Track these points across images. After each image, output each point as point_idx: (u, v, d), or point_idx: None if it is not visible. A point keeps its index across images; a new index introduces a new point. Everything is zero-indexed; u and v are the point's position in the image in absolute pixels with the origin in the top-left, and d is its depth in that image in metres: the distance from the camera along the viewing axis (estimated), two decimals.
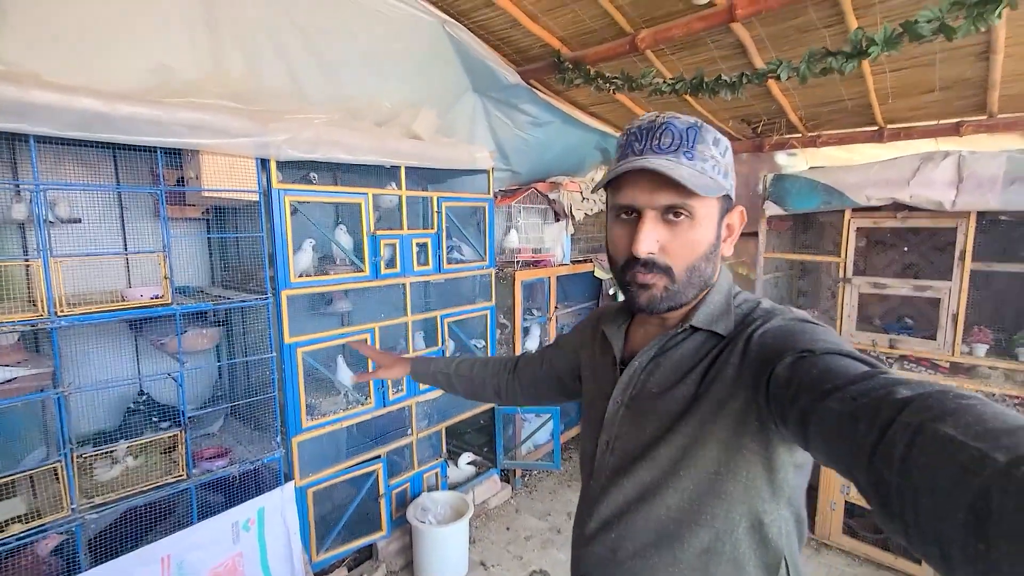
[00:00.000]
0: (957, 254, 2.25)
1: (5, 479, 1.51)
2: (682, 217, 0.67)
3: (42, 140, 1.49)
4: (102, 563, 1.58)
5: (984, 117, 2.69)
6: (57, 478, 1.65)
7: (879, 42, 1.60)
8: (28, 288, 1.75)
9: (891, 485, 0.41)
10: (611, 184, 0.71)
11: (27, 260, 1.62)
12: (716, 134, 0.70)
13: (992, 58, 2.15)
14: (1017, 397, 2.37)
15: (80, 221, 1.85)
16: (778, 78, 1.90)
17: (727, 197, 0.71)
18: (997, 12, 1.41)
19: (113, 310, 1.59)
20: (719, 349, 0.69)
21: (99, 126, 1.49)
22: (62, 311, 1.49)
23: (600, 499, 0.77)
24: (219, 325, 2.13)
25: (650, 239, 0.67)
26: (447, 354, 2.64)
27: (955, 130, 2.78)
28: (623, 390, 0.77)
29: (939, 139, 2.90)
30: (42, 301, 1.47)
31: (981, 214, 2.21)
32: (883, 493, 0.42)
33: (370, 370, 1.27)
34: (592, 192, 2.48)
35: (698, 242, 0.69)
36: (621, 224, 0.72)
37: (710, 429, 0.66)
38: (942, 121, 2.83)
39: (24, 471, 1.55)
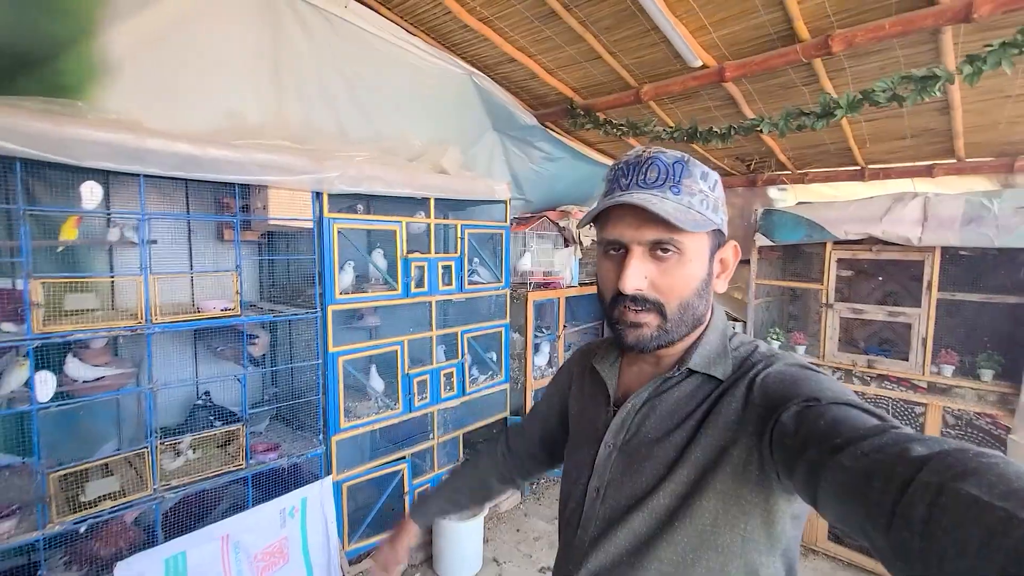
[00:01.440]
0: (925, 284, 2.52)
1: (101, 462, 1.78)
2: (670, 253, 0.66)
3: (131, 174, 1.77)
4: (171, 538, 1.84)
5: (953, 161, 3.00)
6: (131, 465, 1.93)
7: (843, 106, 1.91)
8: (112, 300, 2.06)
9: (913, 549, 0.39)
10: (599, 219, 0.70)
11: (123, 276, 1.91)
12: (704, 168, 0.68)
13: (952, 113, 2.46)
14: (989, 416, 2.61)
15: (156, 242, 2.16)
16: (761, 131, 2.20)
17: (718, 232, 0.70)
18: (937, 87, 1.72)
19: (195, 319, 1.88)
20: (718, 394, 0.67)
21: (192, 166, 1.80)
22: (156, 319, 1.78)
23: (590, 551, 0.72)
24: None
25: (636, 275, 0.66)
26: (466, 367, 2.90)
27: (928, 172, 3.09)
28: (616, 433, 0.73)
29: (915, 179, 3.20)
30: (140, 311, 1.76)
31: (945, 249, 2.49)
32: (904, 557, 0.40)
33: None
34: (579, 227, 2.76)
35: (688, 278, 0.67)
36: (609, 259, 0.70)
37: (709, 479, 0.63)
38: (917, 163, 3.14)
39: (117, 455, 1.83)
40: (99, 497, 1.74)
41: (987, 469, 0.38)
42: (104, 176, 1.91)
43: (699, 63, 2.22)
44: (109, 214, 1.90)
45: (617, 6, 2.09)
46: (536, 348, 3.38)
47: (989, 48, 1.60)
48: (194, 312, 1.95)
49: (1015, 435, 2.33)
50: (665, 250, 0.66)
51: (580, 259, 3.70)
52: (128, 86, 1.91)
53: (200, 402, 2.16)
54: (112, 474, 1.87)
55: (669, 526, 0.65)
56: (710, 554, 0.63)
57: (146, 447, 1.80)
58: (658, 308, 0.67)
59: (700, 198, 0.66)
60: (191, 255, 2.32)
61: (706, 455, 0.64)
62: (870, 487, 0.44)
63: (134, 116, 1.86)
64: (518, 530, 3.03)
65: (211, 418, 2.20)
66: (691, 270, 0.67)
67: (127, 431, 2.11)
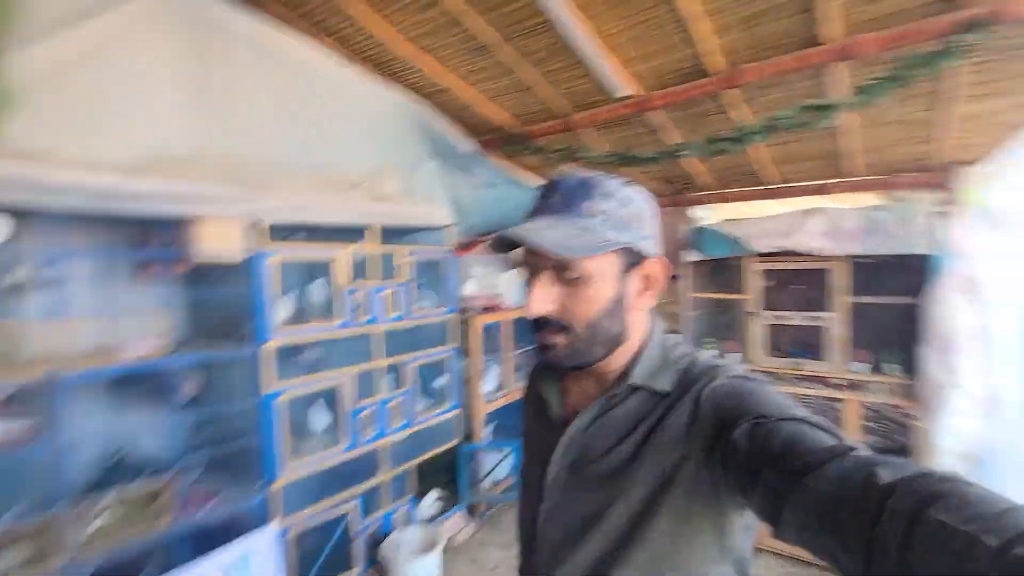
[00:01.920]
0: (835, 290, 2.78)
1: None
2: (573, 277, 0.66)
3: (40, 211, 1.61)
4: None
5: (850, 179, 3.35)
6: (36, 535, 1.70)
7: (755, 132, 2.10)
8: (13, 347, 1.84)
9: None
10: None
11: (23, 320, 1.72)
12: (609, 187, 0.67)
13: (845, 138, 2.77)
14: (897, 407, 2.89)
15: (67, 281, 1.97)
16: (686, 155, 2.38)
17: (629, 251, 0.68)
18: (832, 115, 1.94)
19: (112, 365, 1.72)
20: (664, 409, 0.67)
21: (111, 200, 1.67)
22: (66, 367, 1.61)
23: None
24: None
25: (540, 299, 0.67)
26: (414, 396, 2.83)
27: (828, 189, 3.43)
28: (563, 454, 0.73)
29: (819, 196, 3.55)
30: (47, 358, 1.58)
31: (849, 257, 2.76)
32: None
33: None
34: (492, 253, 2.84)
35: (593, 299, 0.66)
36: (528, 282, 0.70)
37: (660, 498, 0.63)
38: (819, 181, 3.48)
39: (18, 524, 1.60)
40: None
41: (950, 493, 0.39)
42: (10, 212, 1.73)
43: (625, 93, 2.37)
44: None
45: (550, 40, 2.19)
46: (484, 372, 3.36)
47: (872, 81, 1.84)
48: (111, 357, 1.78)
49: (918, 421, 2.60)
50: (567, 274, 0.66)
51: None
52: (38, 116, 1.75)
53: (119, 455, 1.96)
54: (13, 545, 1.64)
55: (625, 547, 0.65)
56: (669, 573, 0.64)
57: (55, 513, 1.60)
58: (566, 329, 0.68)
59: (601, 219, 0.66)
60: (104, 296, 2.13)
61: (655, 473, 0.64)
62: (840, 517, 0.44)
63: (45, 147, 1.71)
64: (474, 560, 2.95)
65: (134, 472, 2.00)
66: (596, 291, 0.67)
67: (32, 494, 1.86)
